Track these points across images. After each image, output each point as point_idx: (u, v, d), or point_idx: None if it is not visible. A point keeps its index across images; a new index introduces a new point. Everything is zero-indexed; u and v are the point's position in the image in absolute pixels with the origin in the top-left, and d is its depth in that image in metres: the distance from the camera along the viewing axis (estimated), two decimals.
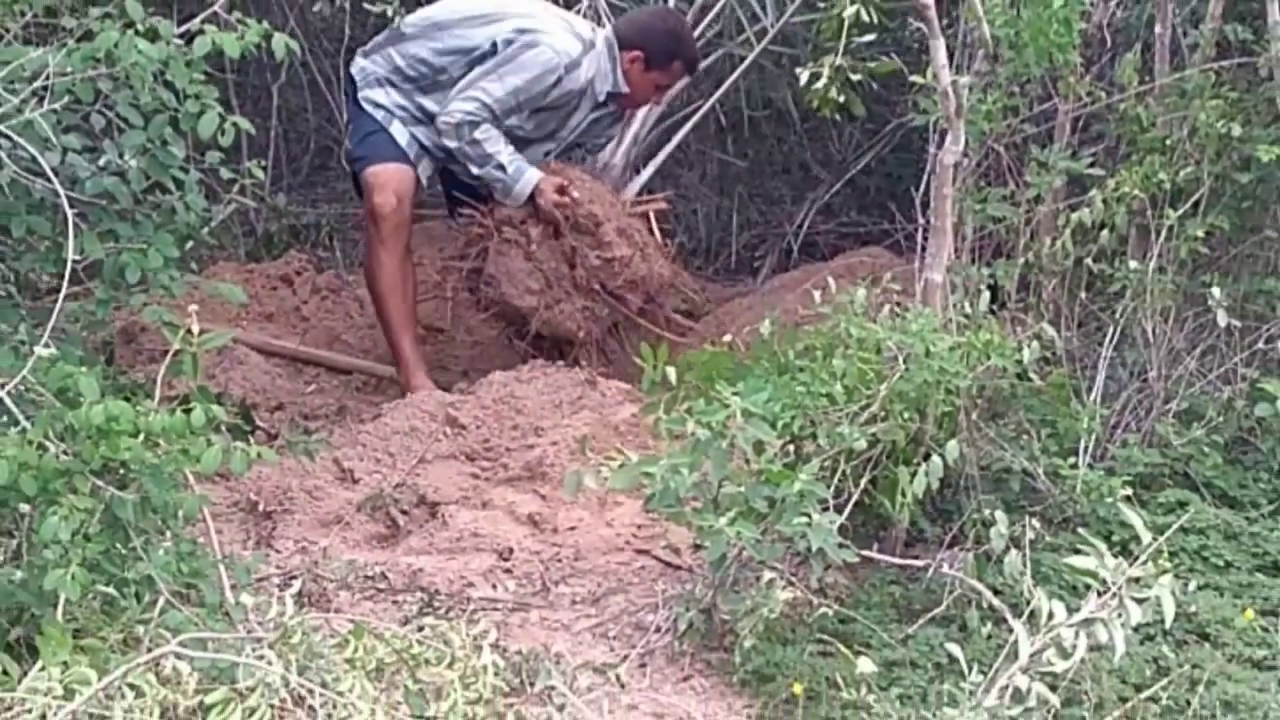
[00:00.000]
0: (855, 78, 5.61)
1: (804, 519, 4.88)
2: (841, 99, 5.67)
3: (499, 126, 6.98)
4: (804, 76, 5.70)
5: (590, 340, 7.04)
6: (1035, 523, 5.14)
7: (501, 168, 6.97)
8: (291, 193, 9.05)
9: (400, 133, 7.10)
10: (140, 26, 4.37)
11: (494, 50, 6.97)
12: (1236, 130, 6.08)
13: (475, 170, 7.03)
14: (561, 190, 6.99)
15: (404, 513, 5.93)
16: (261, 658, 3.71)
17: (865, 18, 5.51)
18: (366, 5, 7.36)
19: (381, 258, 7.05)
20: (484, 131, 6.95)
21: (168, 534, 4.14)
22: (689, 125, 7.86)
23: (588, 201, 7.01)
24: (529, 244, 6.97)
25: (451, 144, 7.00)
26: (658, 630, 5.16)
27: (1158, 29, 6.47)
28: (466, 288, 7.28)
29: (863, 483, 5.19)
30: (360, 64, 7.23)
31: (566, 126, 7.20)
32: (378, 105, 7.12)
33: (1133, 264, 6.14)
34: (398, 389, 7.00)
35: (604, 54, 7.11)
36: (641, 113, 7.56)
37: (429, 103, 7.09)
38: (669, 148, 7.64)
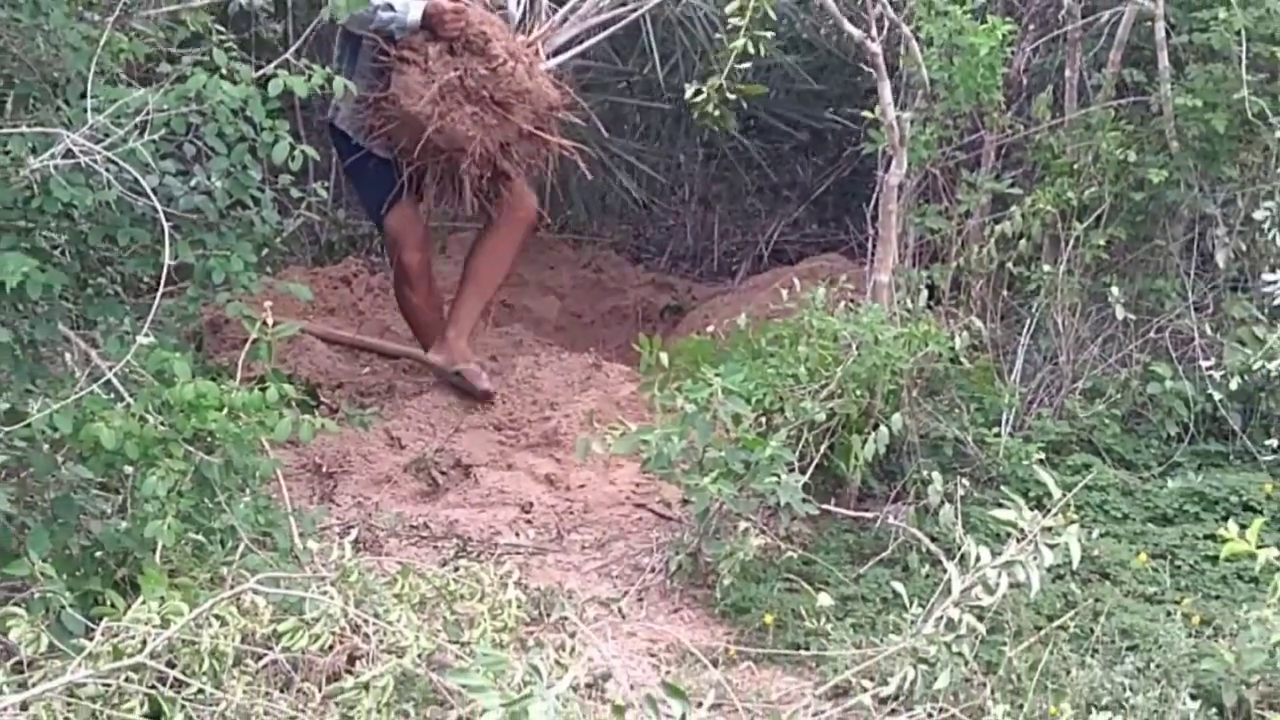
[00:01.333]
0: (731, 98, 5.59)
1: (774, 478, 4.89)
2: (718, 114, 5.66)
3: None
4: (689, 91, 5.70)
5: (482, 150, 6.19)
6: (965, 481, 5.15)
7: (389, 7, 6.17)
8: (349, 208, 8.99)
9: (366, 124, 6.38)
10: (224, 71, 4.36)
11: None
12: (1132, 157, 6.08)
13: (371, 28, 6.19)
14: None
15: (443, 473, 5.93)
16: (325, 593, 3.71)
17: (750, 50, 5.48)
18: None
19: (413, 300, 6.64)
20: None
21: (247, 491, 4.14)
22: (601, 35, 6.87)
23: (479, 22, 6.23)
24: (426, 61, 6.18)
25: (343, 20, 6.00)
26: (653, 570, 5.16)
27: (1067, 73, 6.46)
28: (373, 117, 6.29)
29: (822, 449, 5.20)
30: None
31: None
32: (344, 118, 6.47)
33: (1046, 267, 6.13)
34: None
35: None
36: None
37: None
38: (576, 50, 6.73)
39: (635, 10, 6.80)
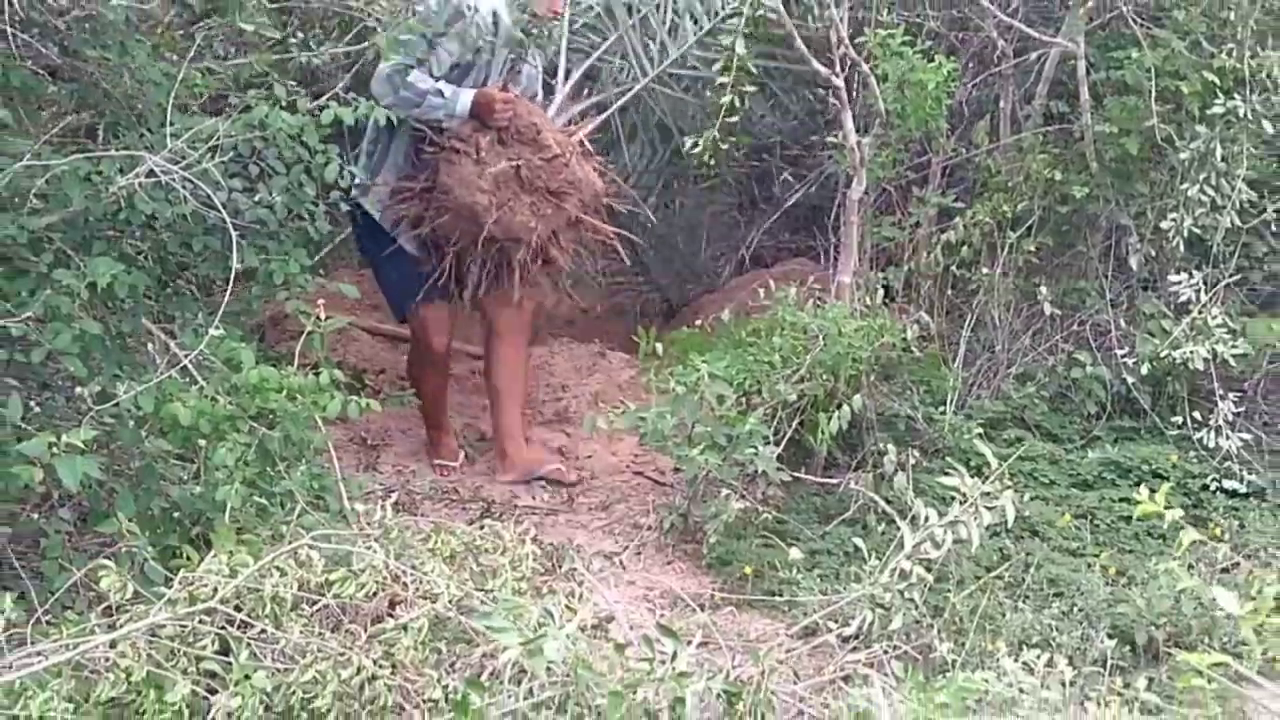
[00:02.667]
0: (724, 147, 5.57)
1: (752, 450, 4.89)
2: (713, 162, 5.63)
3: (423, 70, 5.37)
4: (687, 143, 5.69)
5: (538, 240, 5.41)
6: (915, 453, 5.15)
7: (439, 93, 5.35)
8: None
9: (387, 207, 5.56)
10: (284, 102, 4.35)
11: None
12: (1058, 176, 6.09)
13: (416, 111, 5.36)
14: (503, 89, 5.45)
15: (470, 445, 5.91)
16: (369, 548, 3.70)
17: (737, 104, 5.50)
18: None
19: (429, 375, 5.75)
20: (414, 75, 5.31)
21: (303, 461, 4.12)
22: (596, 120, 5.99)
23: (527, 113, 5.46)
24: (478, 152, 5.36)
25: (390, 100, 5.23)
26: (649, 529, 5.15)
27: (1002, 104, 6.48)
28: (421, 208, 5.49)
29: (794, 424, 5.19)
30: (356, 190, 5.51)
31: (493, 69, 5.53)
32: (375, 202, 5.61)
33: (984, 270, 6.14)
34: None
35: None
36: (560, 94, 5.87)
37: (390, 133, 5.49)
38: (581, 132, 5.74)
39: (612, 100, 6.21)
